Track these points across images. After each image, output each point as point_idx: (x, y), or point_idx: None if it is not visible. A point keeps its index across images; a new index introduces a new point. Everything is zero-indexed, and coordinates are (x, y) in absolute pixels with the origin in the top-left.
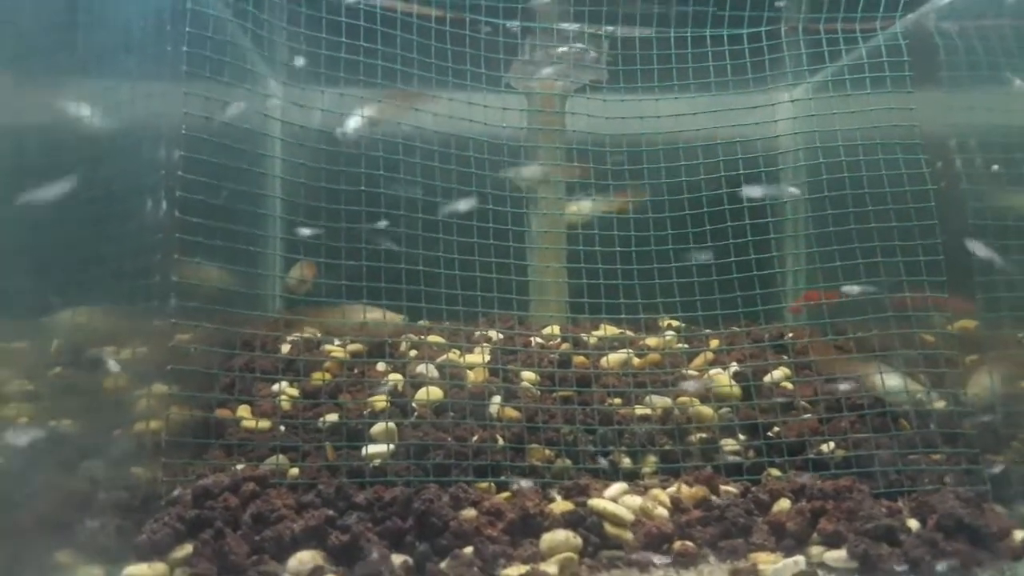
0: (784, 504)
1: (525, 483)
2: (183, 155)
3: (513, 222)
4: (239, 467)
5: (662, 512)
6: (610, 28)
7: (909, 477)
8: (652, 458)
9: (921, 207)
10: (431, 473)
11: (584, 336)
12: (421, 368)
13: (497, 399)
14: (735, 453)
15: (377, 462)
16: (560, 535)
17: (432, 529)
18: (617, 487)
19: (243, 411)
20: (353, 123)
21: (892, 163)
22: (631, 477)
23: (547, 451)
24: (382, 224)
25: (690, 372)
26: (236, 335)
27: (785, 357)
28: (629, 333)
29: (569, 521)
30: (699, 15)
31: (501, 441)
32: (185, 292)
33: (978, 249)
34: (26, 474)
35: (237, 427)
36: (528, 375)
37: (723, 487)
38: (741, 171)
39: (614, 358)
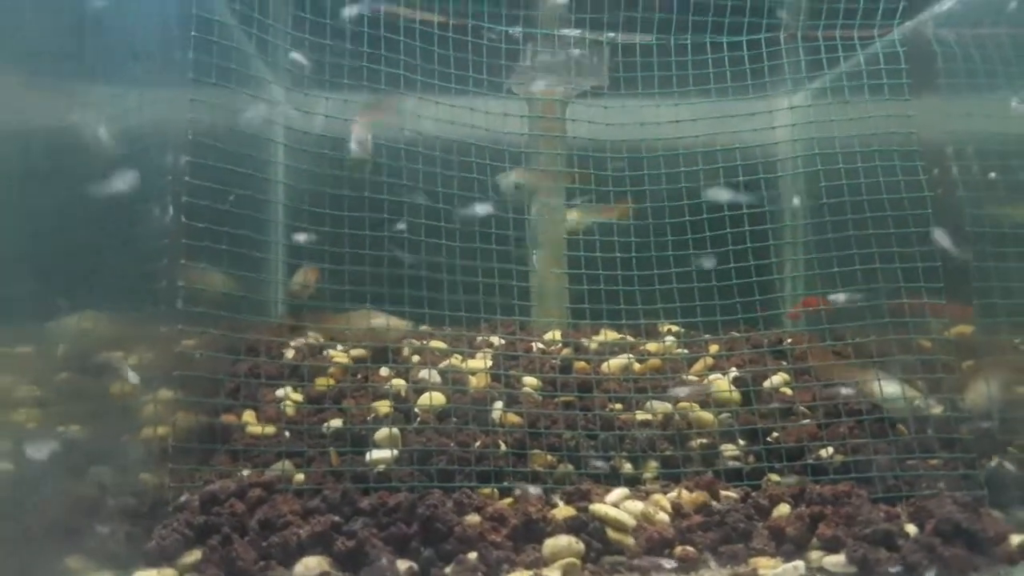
0: (784, 509)
1: (534, 490)
2: (189, 161)
3: (514, 227)
4: (245, 473)
5: (663, 517)
6: (611, 34)
7: (907, 482)
8: (653, 463)
9: (918, 214)
10: (435, 479)
11: (585, 341)
12: (424, 373)
13: (499, 404)
14: (735, 458)
15: (381, 467)
16: (563, 540)
17: (436, 534)
18: (619, 492)
19: (248, 416)
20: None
21: (890, 170)
22: (632, 482)
23: (549, 456)
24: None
25: (690, 377)
26: (240, 340)
27: (784, 363)
28: (629, 338)
29: (571, 526)
30: (699, 22)
31: (503, 447)
32: (191, 297)
33: (941, 239)
34: (36, 480)
35: (242, 432)
36: (530, 380)
37: (723, 492)
38: (740, 177)
39: (615, 363)
